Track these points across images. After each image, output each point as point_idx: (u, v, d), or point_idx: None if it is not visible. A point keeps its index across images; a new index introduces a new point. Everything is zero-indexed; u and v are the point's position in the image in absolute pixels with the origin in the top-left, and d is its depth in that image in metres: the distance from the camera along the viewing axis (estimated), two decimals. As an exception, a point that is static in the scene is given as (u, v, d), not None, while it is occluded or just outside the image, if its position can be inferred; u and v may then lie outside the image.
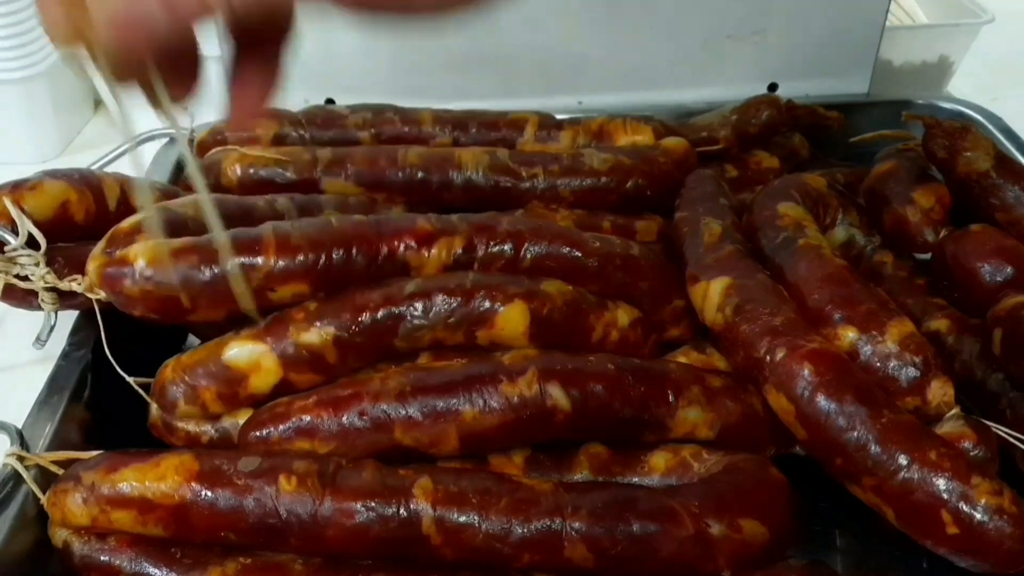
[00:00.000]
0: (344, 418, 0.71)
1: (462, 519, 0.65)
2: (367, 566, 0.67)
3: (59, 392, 0.78)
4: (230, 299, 0.74)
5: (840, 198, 0.94)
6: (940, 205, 0.88)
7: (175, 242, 0.75)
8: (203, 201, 0.71)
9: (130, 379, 0.76)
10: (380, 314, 0.74)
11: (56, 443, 0.74)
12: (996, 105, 1.20)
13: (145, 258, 0.73)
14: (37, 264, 0.77)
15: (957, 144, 0.90)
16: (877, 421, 0.68)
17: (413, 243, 0.78)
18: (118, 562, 0.67)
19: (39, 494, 0.68)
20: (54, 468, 0.70)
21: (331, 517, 0.64)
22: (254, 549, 0.67)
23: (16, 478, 0.69)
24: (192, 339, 0.91)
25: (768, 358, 0.73)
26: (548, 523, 0.65)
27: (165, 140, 1.13)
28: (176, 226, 0.78)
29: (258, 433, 0.72)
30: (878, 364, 0.73)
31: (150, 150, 1.12)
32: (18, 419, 0.74)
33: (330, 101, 1.17)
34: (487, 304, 0.75)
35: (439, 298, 0.75)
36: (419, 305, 0.74)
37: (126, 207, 0.86)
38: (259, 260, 0.74)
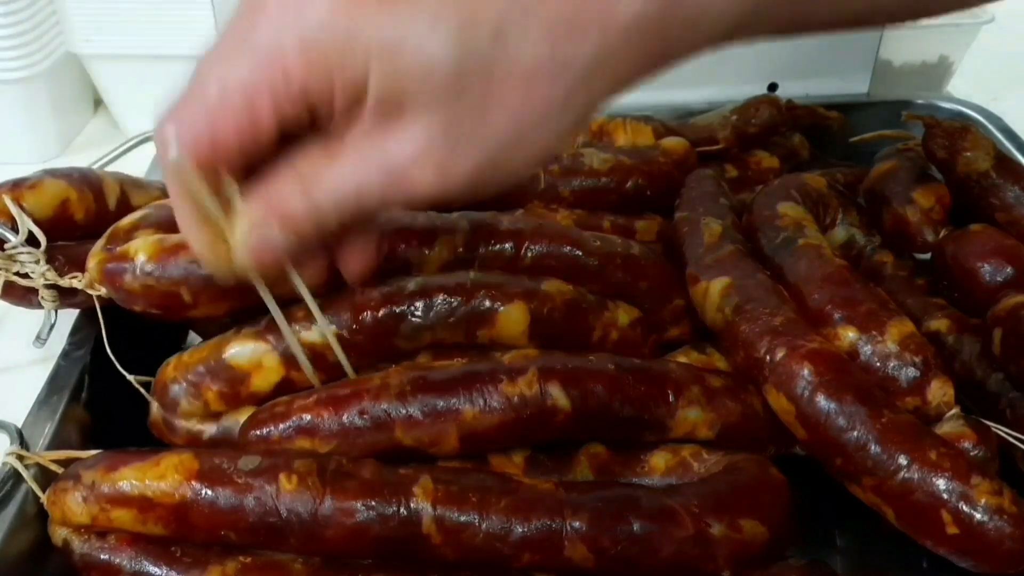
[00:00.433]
0: (344, 417, 0.70)
1: (462, 518, 0.65)
2: (367, 566, 0.67)
3: (59, 391, 0.78)
4: (231, 295, 0.74)
5: (840, 198, 0.94)
6: (940, 205, 0.88)
7: (176, 236, 0.75)
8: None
9: (131, 377, 0.76)
10: (381, 313, 0.74)
11: (56, 442, 0.74)
12: (996, 105, 1.20)
13: (146, 253, 0.73)
14: (37, 261, 0.77)
15: (957, 144, 0.90)
16: (877, 421, 0.68)
17: (414, 241, 0.78)
18: (118, 561, 0.67)
19: (39, 493, 0.68)
20: (54, 467, 0.70)
21: (331, 516, 0.64)
22: (254, 548, 0.67)
23: (16, 477, 0.69)
24: (193, 337, 0.91)
25: (768, 358, 0.73)
26: (548, 523, 0.65)
27: (165, 140, 1.13)
28: (176, 224, 0.78)
29: (258, 432, 0.72)
30: (878, 364, 0.73)
31: (150, 150, 1.12)
32: (18, 418, 0.74)
33: (330, 101, 1.17)
34: (487, 304, 0.75)
35: (440, 297, 0.75)
36: (420, 304, 0.74)
37: (126, 206, 0.86)
38: None
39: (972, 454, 0.69)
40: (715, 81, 1.21)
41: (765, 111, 1.09)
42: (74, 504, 0.66)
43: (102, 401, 0.80)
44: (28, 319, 0.83)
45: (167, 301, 0.75)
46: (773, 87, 1.22)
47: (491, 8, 0.50)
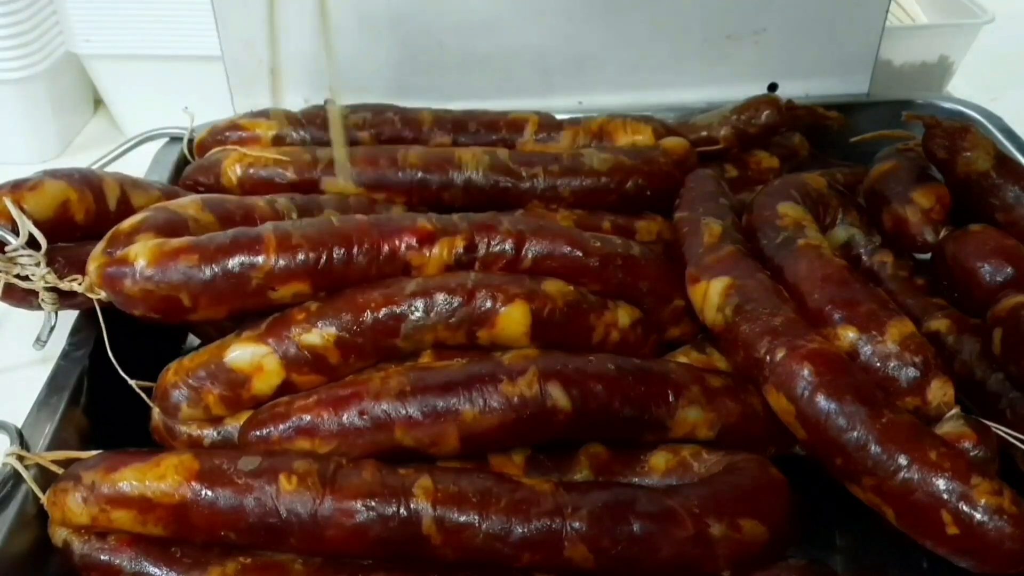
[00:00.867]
0: (344, 417, 0.70)
1: (462, 519, 0.65)
2: (367, 566, 0.67)
3: (59, 392, 0.78)
4: (231, 298, 0.74)
5: (840, 198, 0.94)
6: (940, 205, 0.88)
7: (176, 241, 0.75)
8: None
9: (133, 383, 0.76)
10: (382, 314, 0.74)
11: (56, 443, 0.74)
12: (996, 105, 1.20)
13: (146, 258, 0.73)
14: (38, 264, 0.77)
15: (957, 144, 0.90)
16: (877, 421, 0.68)
17: (414, 242, 0.78)
18: (118, 561, 0.67)
19: (39, 493, 0.68)
20: (54, 468, 0.70)
21: (331, 517, 0.64)
22: (254, 549, 0.67)
23: (16, 477, 0.69)
24: (192, 339, 0.91)
25: (768, 358, 0.73)
26: (548, 523, 0.65)
27: (165, 140, 1.13)
28: (177, 226, 0.78)
29: (258, 432, 0.72)
30: (878, 364, 0.73)
31: (150, 150, 1.12)
32: (18, 419, 0.74)
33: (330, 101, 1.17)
34: (488, 304, 0.75)
35: (440, 297, 0.75)
36: (420, 305, 0.74)
37: (126, 207, 0.86)
38: (259, 259, 0.74)
39: (972, 454, 0.69)
40: (715, 81, 1.22)
41: (765, 111, 1.09)
42: (74, 505, 0.66)
43: (102, 402, 0.80)
44: (28, 320, 0.83)
45: (167, 305, 0.75)
46: (773, 87, 1.22)
47: None
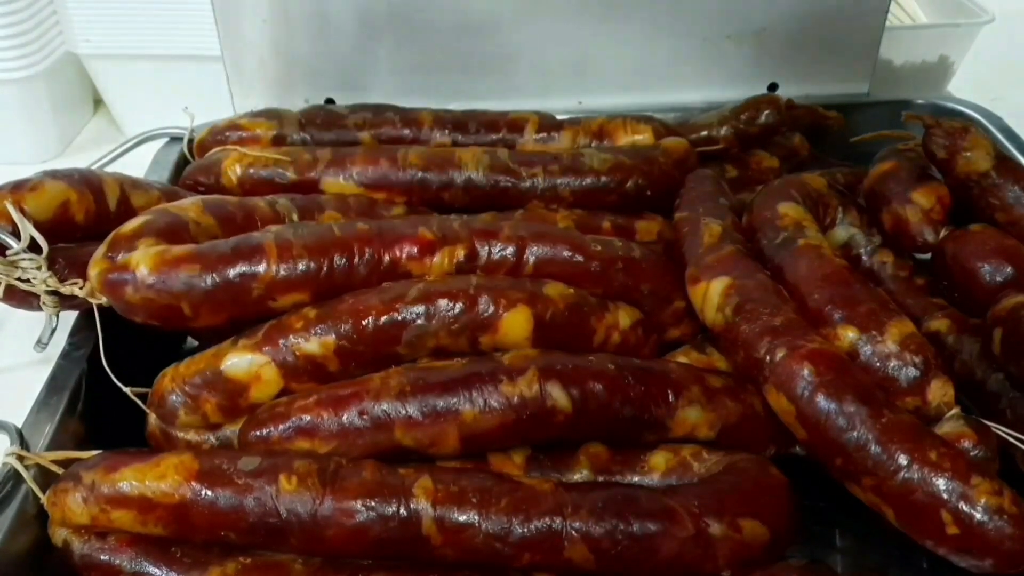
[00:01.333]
0: (344, 418, 0.70)
1: (462, 519, 0.65)
2: (367, 566, 0.67)
3: (59, 392, 0.78)
4: (231, 307, 0.74)
5: (840, 198, 0.94)
6: (940, 205, 0.88)
7: (177, 249, 0.75)
8: None
9: (128, 390, 0.76)
10: (383, 321, 0.74)
11: (56, 443, 0.74)
12: (996, 105, 1.20)
13: (147, 265, 0.73)
14: (39, 268, 0.77)
15: (957, 144, 0.90)
16: (877, 421, 0.68)
17: (415, 252, 0.77)
18: (118, 561, 0.67)
19: (39, 493, 0.68)
20: (54, 467, 0.70)
21: (331, 516, 0.64)
22: (254, 549, 0.67)
23: (16, 477, 0.69)
24: (192, 339, 0.91)
25: (768, 358, 0.73)
26: (548, 523, 0.65)
27: (165, 140, 1.13)
28: (178, 229, 0.78)
29: (258, 432, 0.72)
30: (878, 364, 0.73)
31: (150, 150, 1.12)
32: (18, 419, 0.74)
33: (330, 101, 1.17)
34: (491, 309, 0.75)
35: (442, 303, 0.74)
36: (422, 311, 0.74)
37: (126, 207, 0.86)
38: (260, 269, 0.74)
39: (972, 454, 0.69)
40: (715, 81, 1.22)
41: (765, 111, 1.09)
42: (74, 505, 0.66)
43: (102, 402, 0.80)
44: (28, 321, 0.83)
45: (168, 313, 0.74)
46: (773, 87, 1.22)
47: None
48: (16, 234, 0.76)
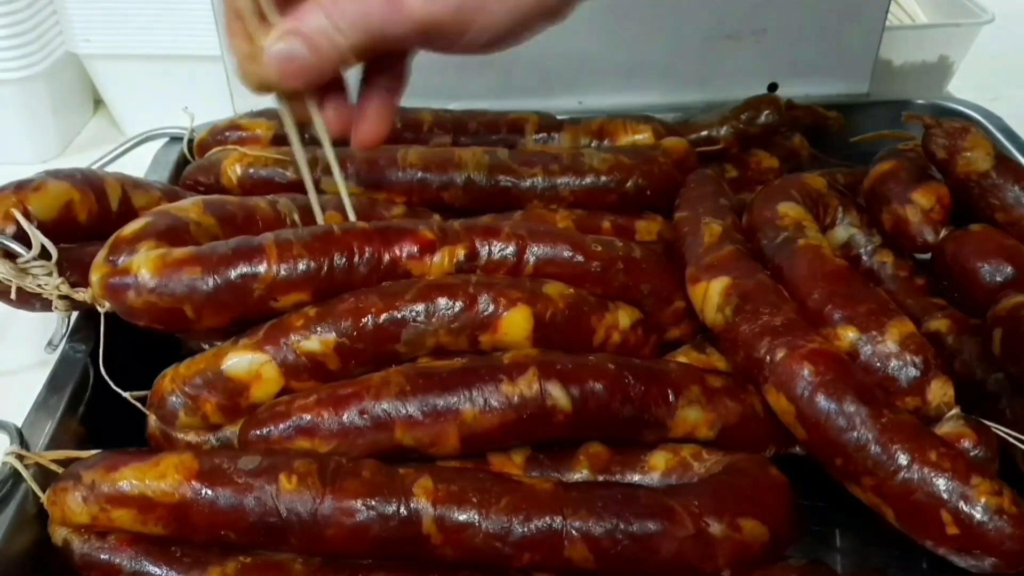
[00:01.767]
0: (344, 417, 0.70)
1: (462, 518, 0.65)
2: (367, 566, 0.67)
3: (59, 391, 0.78)
4: (233, 308, 0.74)
5: (840, 198, 0.94)
6: (940, 205, 0.88)
7: (178, 252, 0.75)
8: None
9: (127, 395, 0.76)
10: (383, 319, 0.74)
11: (56, 442, 0.74)
12: (996, 105, 1.20)
13: (148, 269, 0.73)
14: (50, 274, 0.77)
15: (957, 144, 0.90)
16: (877, 421, 0.68)
17: (416, 251, 0.78)
18: (118, 561, 0.67)
19: (39, 493, 0.68)
20: (54, 467, 0.70)
21: (331, 516, 0.64)
22: (254, 548, 0.67)
23: (16, 477, 0.69)
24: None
25: (768, 358, 0.73)
26: (548, 522, 0.65)
27: (165, 140, 1.13)
28: (179, 230, 0.78)
29: (258, 432, 0.72)
30: (878, 364, 0.73)
31: (150, 150, 1.12)
32: (18, 418, 0.74)
33: (330, 101, 1.17)
34: (490, 308, 0.75)
35: (442, 302, 0.74)
36: (421, 309, 0.74)
37: (128, 207, 0.86)
38: (261, 269, 0.74)
39: (972, 454, 0.69)
40: (715, 81, 1.22)
41: (765, 111, 1.09)
42: (74, 504, 0.66)
43: (102, 401, 0.80)
44: (29, 321, 0.83)
45: (171, 316, 0.74)
46: (773, 87, 1.22)
47: None
48: (20, 238, 0.76)
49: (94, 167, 0.91)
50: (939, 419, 0.72)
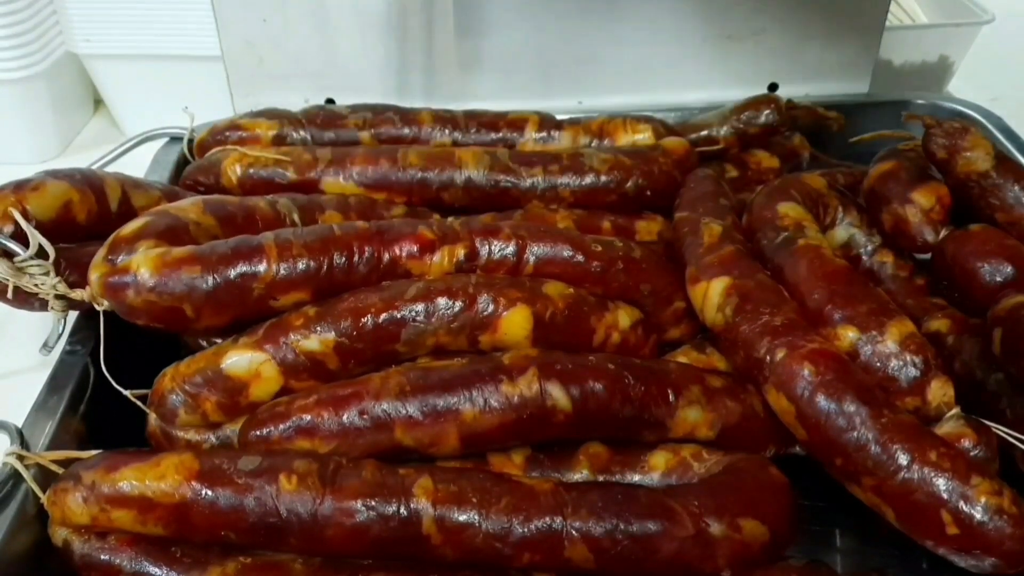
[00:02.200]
0: (344, 417, 0.71)
1: (462, 518, 0.65)
2: (367, 566, 0.67)
3: (59, 392, 0.78)
4: (233, 307, 0.74)
5: (840, 198, 0.94)
6: (940, 205, 0.88)
7: (177, 251, 0.75)
8: None
9: (128, 393, 0.76)
10: (382, 319, 0.74)
11: (56, 442, 0.74)
12: (996, 105, 1.20)
13: (148, 268, 0.73)
14: (47, 273, 0.77)
15: (957, 144, 0.90)
16: (877, 421, 0.68)
17: (415, 250, 0.78)
18: (118, 561, 0.67)
19: (39, 493, 0.68)
20: (54, 467, 0.70)
21: (331, 516, 0.64)
22: (254, 548, 0.67)
23: (16, 477, 0.69)
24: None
25: (768, 358, 0.73)
26: (548, 523, 0.65)
27: (165, 140, 1.13)
28: (178, 230, 0.78)
29: (258, 432, 0.72)
30: (878, 364, 0.73)
31: (150, 150, 1.12)
32: (18, 418, 0.74)
33: (330, 101, 1.17)
34: (490, 308, 0.75)
35: (442, 302, 0.74)
36: (421, 309, 0.74)
37: (127, 207, 0.86)
38: (260, 269, 0.74)
39: (972, 454, 0.69)
40: (715, 81, 1.22)
41: (765, 111, 1.09)
42: (74, 504, 0.66)
43: (102, 401, 0.80)
44: (29, 322, 0.83)
45: (170, 315, 0.74)
46: (773, 87, 1.22)
47: None
48: (18, 237, 0.76)
49: (94, 167, 0.91)
50: (939, 419, 0.72)
